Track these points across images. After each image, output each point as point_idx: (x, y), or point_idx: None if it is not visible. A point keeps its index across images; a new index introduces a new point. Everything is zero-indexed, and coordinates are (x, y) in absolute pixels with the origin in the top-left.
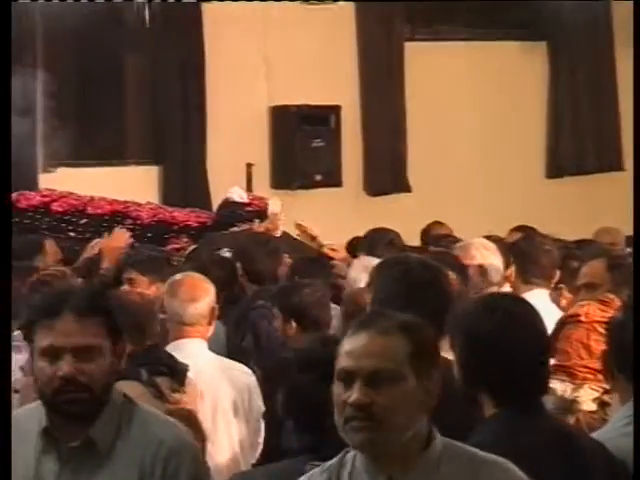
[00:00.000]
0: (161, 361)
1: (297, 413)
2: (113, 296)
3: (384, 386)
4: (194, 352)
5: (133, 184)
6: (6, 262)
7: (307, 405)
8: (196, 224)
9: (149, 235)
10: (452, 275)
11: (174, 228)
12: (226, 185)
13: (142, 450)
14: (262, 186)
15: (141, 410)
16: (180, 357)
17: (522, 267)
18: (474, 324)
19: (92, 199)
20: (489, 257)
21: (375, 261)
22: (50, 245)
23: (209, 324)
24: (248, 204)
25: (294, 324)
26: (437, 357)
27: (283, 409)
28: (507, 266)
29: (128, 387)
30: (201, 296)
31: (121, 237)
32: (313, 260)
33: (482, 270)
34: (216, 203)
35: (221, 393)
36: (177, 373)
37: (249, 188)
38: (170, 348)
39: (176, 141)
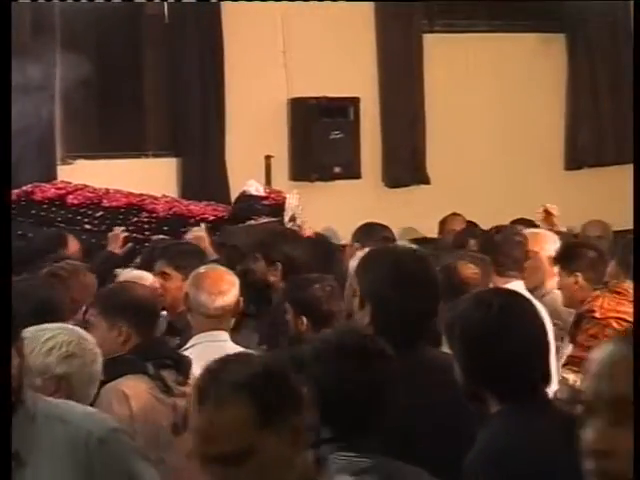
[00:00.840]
0: (166, 354)
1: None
2: (117, 289)
3: (231, 473)
4: (220, 344)
5: (152, 177)
6: (6, 261)
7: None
8: (212, 217)
9: (165, 228)
10: (473, 268)
11: (190, 221)
12: (245, 177)
13: (71, 445)
14: (281, 178)
15: (56, 406)
16: (205, 350)
17: (497, 260)
18: (470, 321)
19: (108, 192)
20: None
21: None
22: (71, 239)
23: (233, 316)
24: (265, 197)
25: (305, 319)
26: (301, 402)
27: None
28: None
29: (135, 381)
30: (229, 289)
31: (116, 239)
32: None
33: (550, 261)
34: (235, 196)
35: None
36: (182, 366)
37: (268, 180)
38: (195, 340)
39: (195, 133)
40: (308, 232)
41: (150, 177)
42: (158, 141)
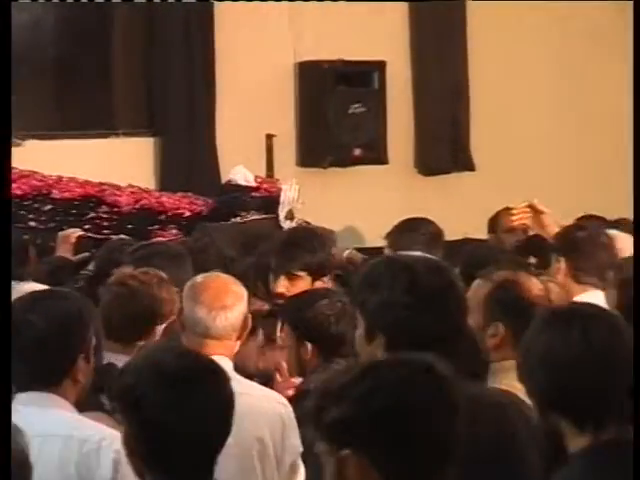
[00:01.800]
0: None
1: None
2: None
3: None
4: None
5: (122, 161)
6: (6, 261)
7: None
8: (189, 213)
9: (129, 226)
10: (538, 282)
11: (161, 217)
12: (240, 162)
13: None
14: (286, 163)
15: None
16: None
17: (575, 263)
18: (551, 346)
19: (60, 180)
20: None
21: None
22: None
23: (238, 338)
24: (255, 188)
25: (309, 346)
26: None
27: None
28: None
29: (93, 420)
30: (233, 303)
31: (68, 240)
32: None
33: None
34: None
35: (245, 429)
36: None
37: (269, 166)
38: None
39: (177, 107)
40: None
41: (120, 162)
42: (130, 117)
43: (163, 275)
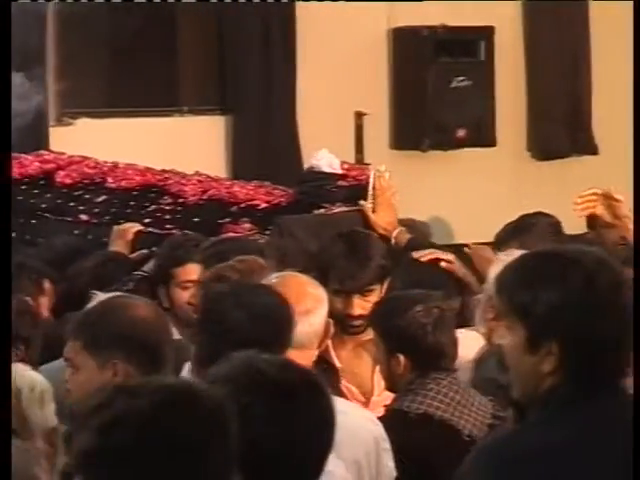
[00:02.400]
0: None
1: None
2: (107, 310)
3: None
4: None
5: (187, 143)
6: (6, 259)
7: None
8: (264, 204)
9: (195, 219)
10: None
11: (232, 210)
12: (324, 145)
13: None
14: (378, 145)
15: None
16: None
17: None
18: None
19: (116, 167)
20: None
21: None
22: None
23: (319, 347)
24: (342, 176)
25: (402, 358)
26: None
27: None
28: None
29: None
30: (315, 307)
31: (124, 236)
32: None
33: None
34: None
35: (341, 450)
36: None
37: (359, 148)
38: None
39: (252, 80)
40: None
41: (184, 143)
42: (197, 91)
43: (262, 261)
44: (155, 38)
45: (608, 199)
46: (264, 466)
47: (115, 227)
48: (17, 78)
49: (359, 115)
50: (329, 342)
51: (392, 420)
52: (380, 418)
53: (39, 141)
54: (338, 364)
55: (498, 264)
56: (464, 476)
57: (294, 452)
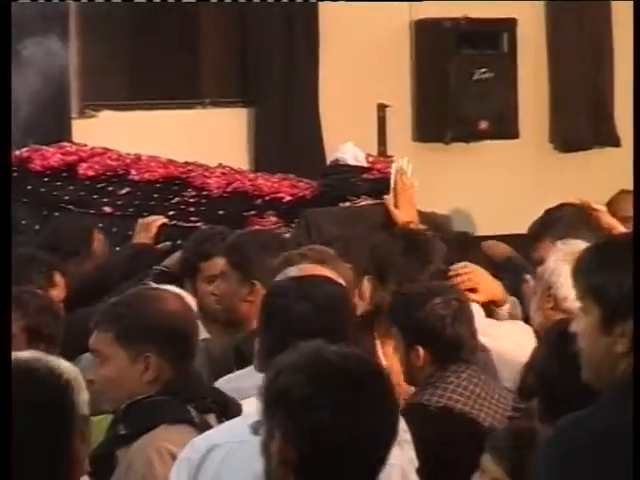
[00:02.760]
0: (208, 394)
1: None
2: (138, 301)
3: None
4: None
5: (209, 135)
6: (6, 256)
7: None
8: (289, 197)
9: (220, 212)
10: None
11: (257, 202)
12: (347, 137)
13: None
14: (400, 137)
15: None
16: None
17: None
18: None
19: (139, 159)
20: None
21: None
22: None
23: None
24: (367, 169)
25: (421, 350)
26: None
27: None
28: None
29: (179, 433)
30: None
31: (149, 229)
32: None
33: None
34: None
35: None
36: (229, 411)
37: (381, 140)
38: None
39: (274, 72)
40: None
41: (207, 136)
42: (219, 83)
43: (330, 251)
44: (177, 30)
45: (589, 210)
46: (331, 457)
47: (140, 220)
48: (39, 68)
49: (381, 107)
50: (377, 340)
51: (412, 414)
52: (400, 412)
53: (61, 133)
54: (384, 362)
55: (558, 253)
56: (540, 463)
57: (360, 443)
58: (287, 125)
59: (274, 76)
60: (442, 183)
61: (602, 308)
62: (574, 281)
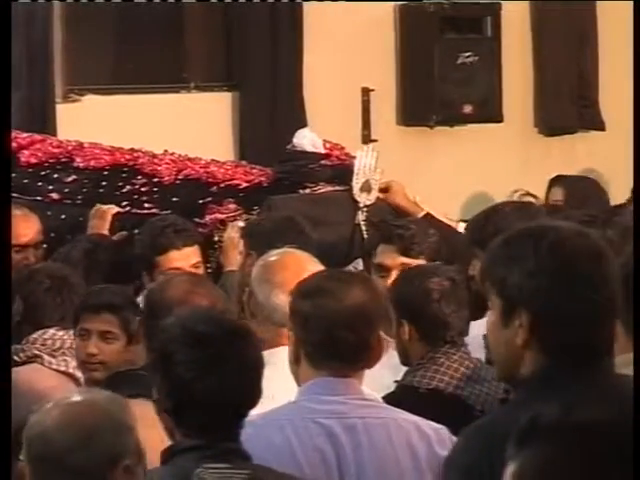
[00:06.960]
0: None
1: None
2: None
3: None
4: None
5: (194, 119)
6: (5, 255)
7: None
8: (245, 184)
9: (174, 199)
10: None
11: (212, 190)
12: (331, 121)
13: None
14: (385, 121)
15: None
16: (278, 376)
17: None
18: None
19: (81, 146)
20: None
21: None
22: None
23: None
24: (325, 155)
25: (407, 326)
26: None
27: None
28: None
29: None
30: None
31: (103, 217)
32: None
33: None
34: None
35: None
36: None
37: (365, 124)
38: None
39: (258, 57)
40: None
41: (191, 120)
42: (204, 68)
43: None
44: (162, 14)
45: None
46: (196, 406)
47: (94, 208)
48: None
49: (366, 91)
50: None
51: (402, 396)
52: (390, 394)
53: (46, 118)
54: None
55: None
56: (455, 454)
57: (218, 393)
58: (272, 109)
59: (258, 60)
60: (426, 167)
61: (502, 300)
62: (482, 277)
